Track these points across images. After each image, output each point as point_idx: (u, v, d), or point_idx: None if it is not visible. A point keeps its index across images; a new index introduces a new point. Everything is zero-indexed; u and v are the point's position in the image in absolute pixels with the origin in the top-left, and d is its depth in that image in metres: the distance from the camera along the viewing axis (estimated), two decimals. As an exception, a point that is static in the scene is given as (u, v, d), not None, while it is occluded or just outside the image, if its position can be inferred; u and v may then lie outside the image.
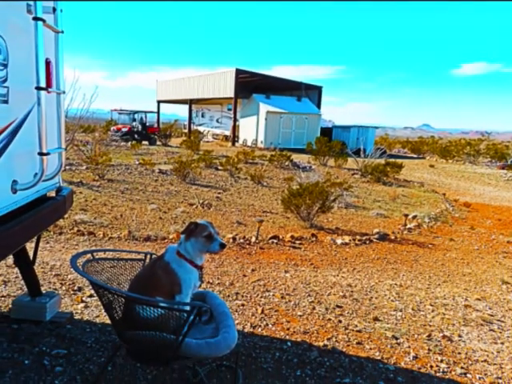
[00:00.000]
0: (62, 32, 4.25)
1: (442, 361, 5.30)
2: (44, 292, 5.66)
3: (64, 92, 4.63)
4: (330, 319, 6.28)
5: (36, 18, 3.47)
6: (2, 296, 6.12)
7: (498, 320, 6.73)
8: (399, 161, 24.50)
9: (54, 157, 4.52)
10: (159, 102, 65.65)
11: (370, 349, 5.48)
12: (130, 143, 35.39)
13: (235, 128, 47.94)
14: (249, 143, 45.56)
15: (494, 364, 5.35)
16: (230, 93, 46.62)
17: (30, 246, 5.34)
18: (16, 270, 6.56)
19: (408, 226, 12.75)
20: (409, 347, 5.59)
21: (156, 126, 51.90)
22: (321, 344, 5.50)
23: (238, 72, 45.92)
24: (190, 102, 58.95)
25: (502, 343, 5.95)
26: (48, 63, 4.19)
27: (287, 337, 5.64)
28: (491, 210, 16.85)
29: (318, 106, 51.22)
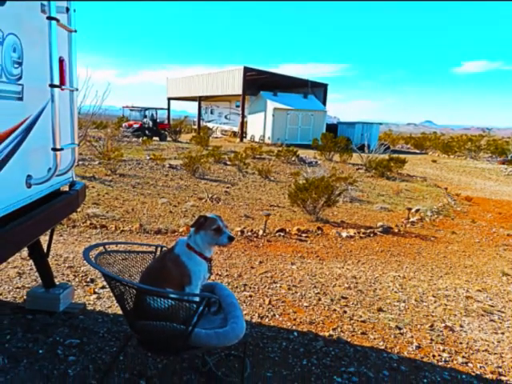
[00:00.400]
0: (75, 31, 4.25)
1: (443, 350, 5.30)
2: (58, 283, 5.68)
3: (77, 89, 4.63)
4: (335, 310, 6.27)
5: (50, 18, 3.47)
6: (17, 287, 6.14)
7: (499, 311, 6.72)
8: (402, 156, 24.45)
9: (68, 152, 4.53)
10: (169, 99, 65.71)
11: (374, 339, 5.48)
12: (141, 139, 35.44)
13: (243, 124, 47.99)
14: (256, 139, 45.57)
15: (495, 353, 5.35)
16: (238, 90, 46.65)
17: (44, 239, 5.35)
18: (30, 262, 6.58)
19: (411, 219, 12.72)
20: (412, 337, 5.58)
21: (166, 122, 51.92)
22: (326, 334, 5.50)
23: (246, 70, 45.96)
24: (200, 99, 59.01)
25: (503, 333, 5.94)
26: (61, 61, 4.19)
27: (294, 327, 5.64)
28: (492, 203, 16.79)
29: (324, 102, 51.22)
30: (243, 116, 47.98)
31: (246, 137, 47.85)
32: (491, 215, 14.47)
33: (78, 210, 7.79)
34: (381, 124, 54.10)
